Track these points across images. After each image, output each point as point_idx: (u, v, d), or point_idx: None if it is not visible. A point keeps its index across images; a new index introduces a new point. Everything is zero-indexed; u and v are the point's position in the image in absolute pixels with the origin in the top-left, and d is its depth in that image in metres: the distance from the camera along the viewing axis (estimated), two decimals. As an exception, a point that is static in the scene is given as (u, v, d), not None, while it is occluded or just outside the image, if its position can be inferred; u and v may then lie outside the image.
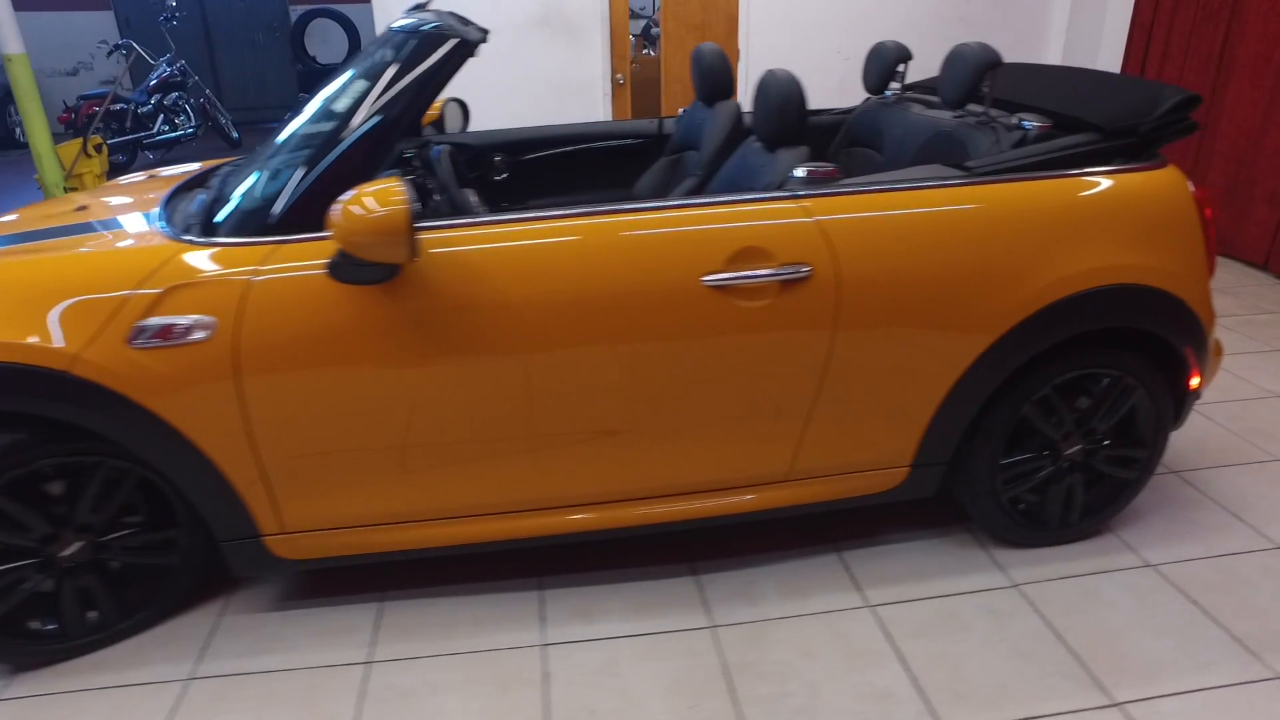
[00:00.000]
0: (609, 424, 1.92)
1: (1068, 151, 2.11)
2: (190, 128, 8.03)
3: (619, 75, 5.90)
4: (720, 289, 1.85)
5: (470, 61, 6.30)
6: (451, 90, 5.92)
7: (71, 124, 7.13)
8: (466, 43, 1.86)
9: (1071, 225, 1.99)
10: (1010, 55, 6.25)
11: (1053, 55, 6.23)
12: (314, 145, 1.85)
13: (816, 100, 6.03)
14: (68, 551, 1.90)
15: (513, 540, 2.04)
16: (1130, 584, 2.19)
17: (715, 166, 2.70)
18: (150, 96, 7.77)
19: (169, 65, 7.98)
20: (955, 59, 2.32)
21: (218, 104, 8.37)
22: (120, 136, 7.47)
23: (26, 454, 1.79)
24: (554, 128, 3.20)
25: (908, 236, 1.91)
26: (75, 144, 5.49)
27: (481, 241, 1.81)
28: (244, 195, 1.90)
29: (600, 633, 2.06)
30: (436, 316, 1.79)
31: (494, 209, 1.84)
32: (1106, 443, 2.25)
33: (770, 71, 2.15)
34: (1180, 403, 2.28)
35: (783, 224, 1.87)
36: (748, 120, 3.21)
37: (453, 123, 3.27)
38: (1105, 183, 2.04)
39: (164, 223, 1.96)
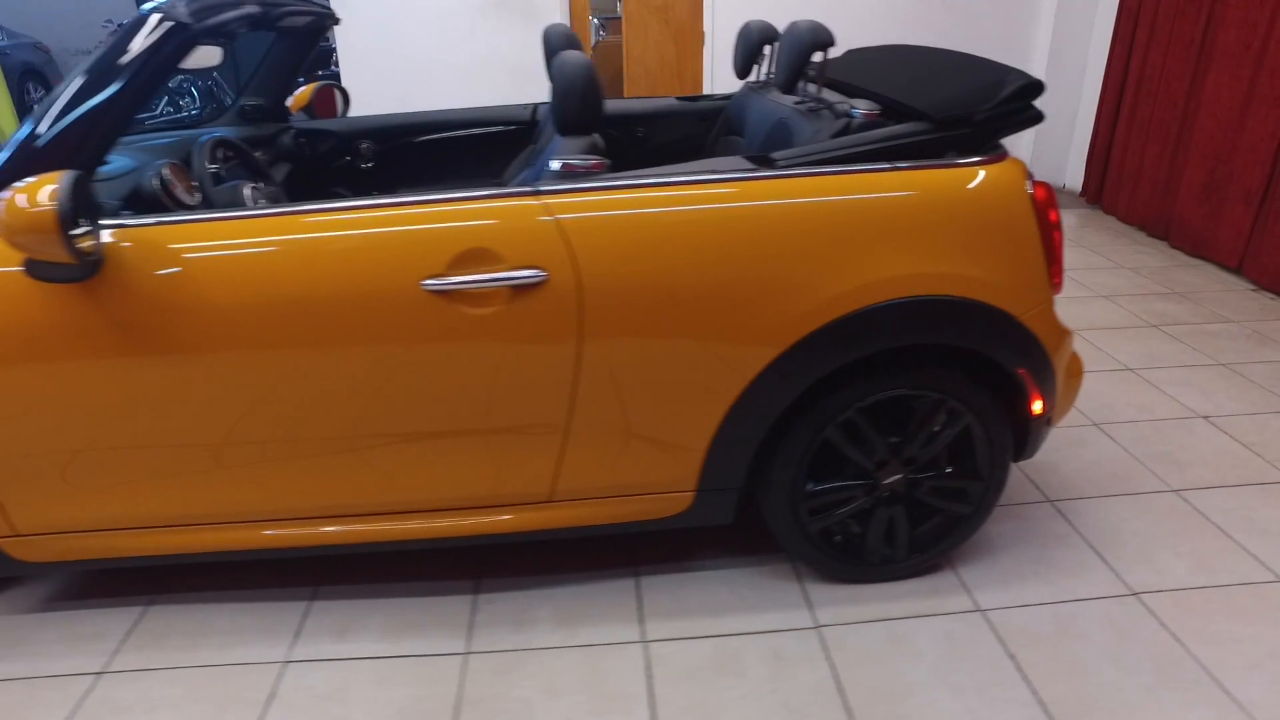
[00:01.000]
0: (335, 435, 1.72)
1: (889, 143, 1.81)
2: (194, 109, 8.03)
3: (580, 59, 5.63)
4: (442, 294, 1.62)
5: (426, 43, 6.08)
6: (409, 70, 5.75)
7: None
8: (184, 27, 1.65)
9: (872, 227, 1.70)
10: (997, 42, 5.78)
11: (1040, 42, 5.73)
12: (31, 133, 1.67)
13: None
14: None
15: (259, 550, 1.86)
16: (947, 630, 1.91)
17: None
18: (152, 78, 7.77)
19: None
20: (784, 38, 2.03)
21: (224, 86, 8.34)
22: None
23: None
24: (427, 114, 2.98)
25: (667, 238, 1.65)
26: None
27: (194, 238, 1.62)
28: None
29: (349, 652, 1.87)
30: (137, 318, 1.60)
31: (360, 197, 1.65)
32: (932, 473, 1.96)
33: (560, 54, 1.89)
34: (1024, 431, 1.98)
35: (515, 223, 1.63)
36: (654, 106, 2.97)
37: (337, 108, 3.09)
38: (919, 179, 1.74)
39: None
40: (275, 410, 1.69)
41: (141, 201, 1.87)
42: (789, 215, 1.68)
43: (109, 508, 1.79)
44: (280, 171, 2.70)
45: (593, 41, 5.85)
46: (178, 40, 1.65)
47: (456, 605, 2.01)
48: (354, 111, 5.79)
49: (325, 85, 3.02)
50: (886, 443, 1.89)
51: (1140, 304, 3.87)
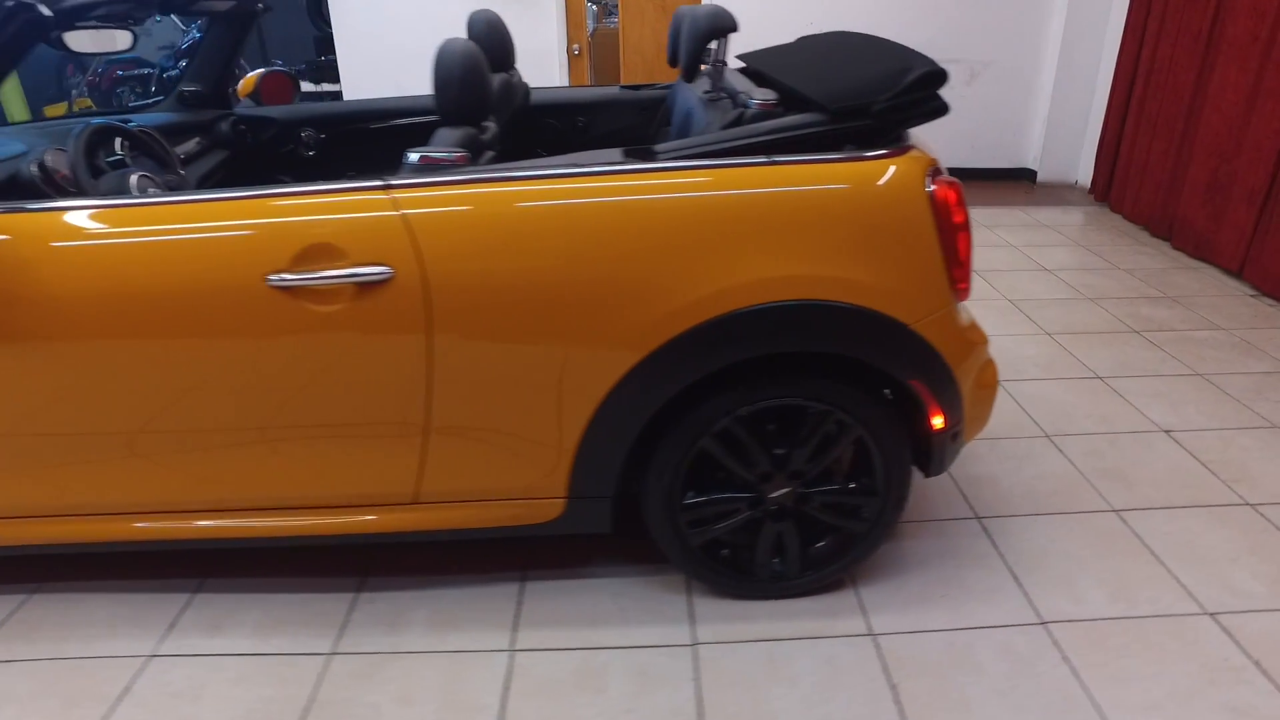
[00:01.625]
0: (190, 429, 1.66)
1: (778, 135, 1.67)
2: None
3: (575, 46, 5.50)
4: (288, 290, 1.54)
5: (420, 31, 5.98)
6: (404, 55, 5.68)
7: (96, 87, 7.30)
8: (28, 7, 1.59)
9: (743, 226, 1.57)
10: (1010, 30, 5.48)
11: (1054, 31, 5.41)
12: None
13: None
14: None
15: (129, 543, 1.82)
16: (831, 655, 1.78)
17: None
18: (177, 62, 7.87)
19: (199, 32, 8.07)
20: (684, 24, 1.89)
21: (245, 67, 8.41)
22: (143, 100, 7.62)
23: None
24: (373, 101, 2.91)
25: (521, 235, 1.54)
26: (61, 107, 5.58)
27: (39, 227, 1.56)
28: None
29: (217, 648, 1.82)
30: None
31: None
32: (823, 488, 1.83)
33: (443, 42, 1.79)
34: (927, 446, 1.83)
35: (360, 218, 1.53)
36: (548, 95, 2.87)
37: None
38: (800, 174, 1.59)
39: None
40: (129, 404, 1.63)
41: (19, 188, 1.83)
42: (653, 212, 1.56)
43: None
44: (214, 159, 2.65)
45: (590, 29, 5.71)
46: (23, 22, 1.59)
47: (335, 603, 1.95)
48: (349, 95, 5.77)
49: (272, 72, 2.97)
50: (769, 455, 1.76)
51: (1127, 308, 3.62)
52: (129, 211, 1.57)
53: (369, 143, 2.93)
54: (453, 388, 1.63)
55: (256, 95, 2.92)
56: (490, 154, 1.84)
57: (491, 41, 2.38)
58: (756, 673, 1.73)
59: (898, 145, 1.68)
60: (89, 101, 5.74)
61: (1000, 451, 2.54)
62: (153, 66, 7.75)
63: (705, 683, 1.71)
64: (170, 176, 2.12)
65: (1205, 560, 2.05)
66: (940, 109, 1.68)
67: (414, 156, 1.61)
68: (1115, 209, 5.00)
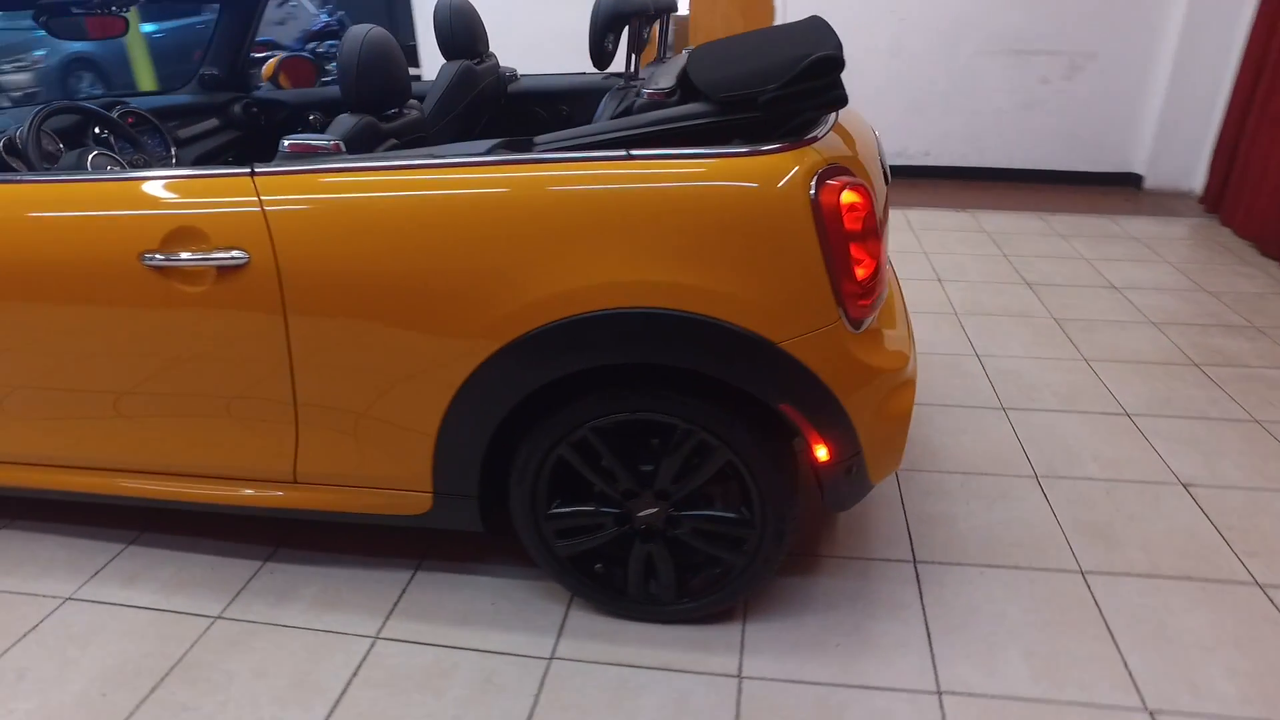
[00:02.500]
0: (68, 389, 1.74)
1: (659, 127, 1.52)
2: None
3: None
4: (159, 270, 1.57)
5: (498, 14, 6.03)
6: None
7: (231, 70, 7.93)
8: None
9: (587, 225, 1.43)
10: (1118, 17, 4.83)
11: (1174, 17, 4.70)
12: None
13: (867, 63, 5.08)
14: None
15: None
16: (685, 692, 1.63)
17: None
18: (305, 44, 8.43)
19: (328, 15, 8.59)
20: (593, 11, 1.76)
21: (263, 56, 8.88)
22: (272, 82, 8.22)
23: None
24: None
25: (371, 224, 1.48)
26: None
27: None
28: None
29: (126, 599, 1.92)
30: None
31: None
32: (696, 512, 1.67)
33: (352, 27, 1.76)
34: (819, 480, 1.63)
35: (222, 203, 1.53)
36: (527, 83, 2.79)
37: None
38: (657, 171, 1.43)
39: None
40: (20, 365, 1.73)
41: None
42: (503, 205, 1.45)
43: None
44: (221, 138, 2.78)
45: (661, 15, 5.56)
46: None
47: (242, 569, 2.00)
48: (429, 78, 5.94)
49: (292, 56, 3.08)
50: (632, 470, 1.63)
51: (1194, 336, 3.10)
52: (35, 188, 1.65)
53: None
54: (312, 371, 1.61)
55: (276, 79, 3.04)
56: (392, 142, 1.80)
57: (456, 28, 2.34)
58: (599, 699, 1.62)
59: (793, 140, 1.48)
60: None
61: (972, 488, 2.24)
62: (284, 49, 8.34)
63: (544, 701, 1.62)
64: (138, 156, 2.24)
65: (1172, 645, 1.71)
66: (839, 99, 1.46)
67: (286, 143, 1.60)
68: (1226, 222, 4.31)
